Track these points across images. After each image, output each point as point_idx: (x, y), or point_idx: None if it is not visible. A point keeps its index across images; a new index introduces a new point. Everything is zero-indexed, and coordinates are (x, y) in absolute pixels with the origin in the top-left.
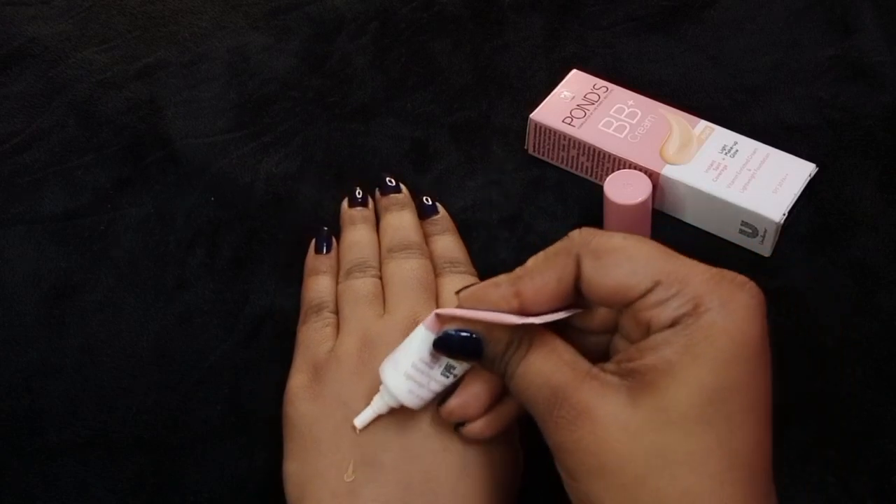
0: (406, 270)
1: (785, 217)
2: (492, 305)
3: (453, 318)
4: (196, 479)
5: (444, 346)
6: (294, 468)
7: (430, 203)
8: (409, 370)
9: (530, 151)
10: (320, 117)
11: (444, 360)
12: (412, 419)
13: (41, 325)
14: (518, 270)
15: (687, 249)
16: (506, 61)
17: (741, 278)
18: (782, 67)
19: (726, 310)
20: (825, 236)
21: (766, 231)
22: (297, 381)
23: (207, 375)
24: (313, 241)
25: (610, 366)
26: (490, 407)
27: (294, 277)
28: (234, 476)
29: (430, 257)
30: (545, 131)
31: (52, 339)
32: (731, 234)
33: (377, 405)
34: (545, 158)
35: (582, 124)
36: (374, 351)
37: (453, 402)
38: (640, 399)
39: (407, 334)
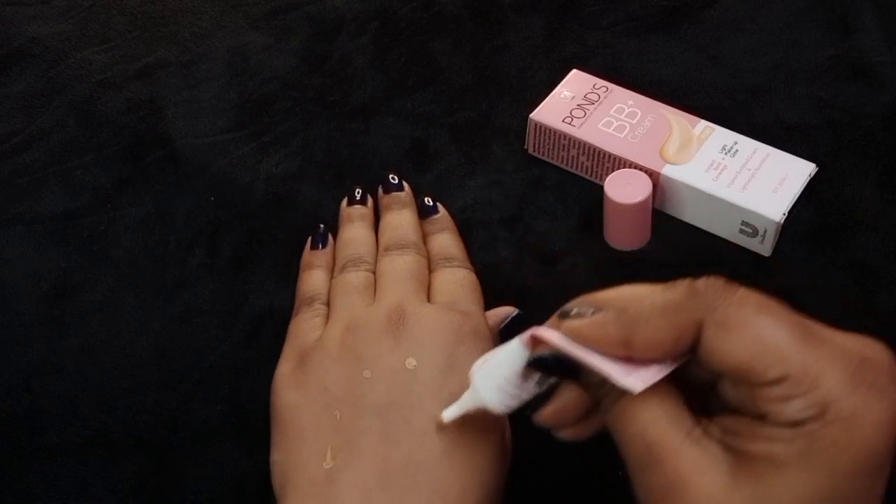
0: (399, 264)
1: (785, 217)
2: (596, 347)
3: (549, 346)
4: (196, 479)
5: (540, 366)
6: (279, 458)
7: (431, 203)
8: (500, 382)
9: (530, 151)
10: (320, 117)
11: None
12: (392, 404)
13: (41, 325)
14: (631, 311)
15: (687, 249)
16: (506, 61)
17: (885, 378)
18: (782, 67)
19: (855, 424)
20: (825, 236)
21: (766, 231)
22: (283, 369)
23: (207, 375)
24: (310, 237)
25: (715, 430)
26: (585, 414)
27: (294, 277)
28: (234, 476)
29: (428, 256)
30: (545, 131)
31: (52, 339)
32: (731, 234)
33: (466, 402)
34: (545, 158)
35: (582, 124)
36: (357, 336)
37: (548, 411)
38: (741, 482)
39: (391, 320)
